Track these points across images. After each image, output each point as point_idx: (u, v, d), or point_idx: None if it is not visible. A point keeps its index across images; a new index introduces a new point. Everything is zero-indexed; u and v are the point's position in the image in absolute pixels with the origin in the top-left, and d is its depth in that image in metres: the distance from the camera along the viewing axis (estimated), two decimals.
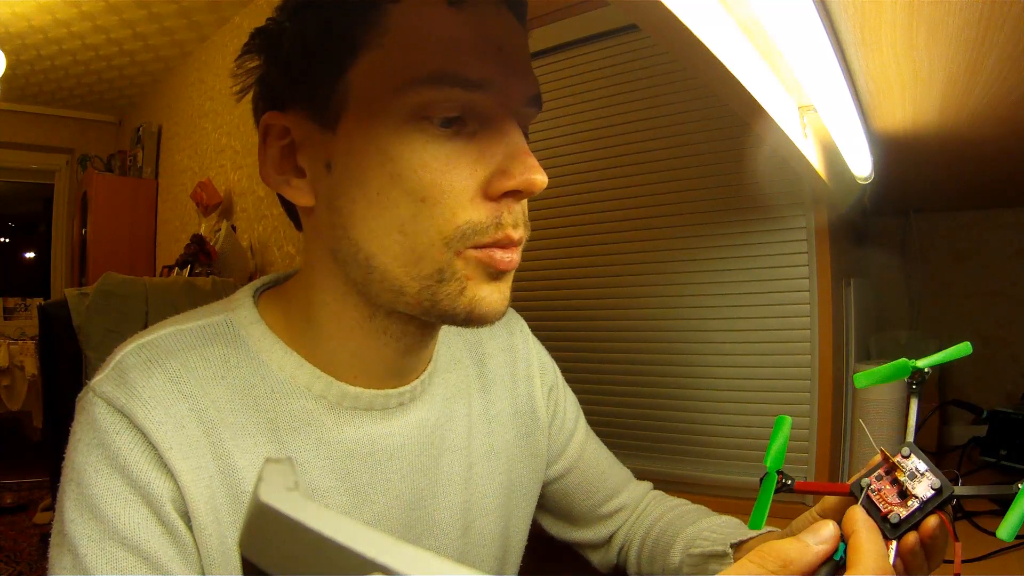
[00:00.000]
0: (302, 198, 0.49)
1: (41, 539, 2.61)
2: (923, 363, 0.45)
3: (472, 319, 0.48)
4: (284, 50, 0.48)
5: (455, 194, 0.45)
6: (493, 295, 0.48)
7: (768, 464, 0.43)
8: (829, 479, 0.95)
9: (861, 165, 0.81)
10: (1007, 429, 1.02)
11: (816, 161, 0.76)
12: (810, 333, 0.96)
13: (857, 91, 0.66)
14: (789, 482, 0.44)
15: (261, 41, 0.50)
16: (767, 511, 0.44)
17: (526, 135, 0.49)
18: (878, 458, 0.43)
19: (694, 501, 0.74)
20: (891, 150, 0.85)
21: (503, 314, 0.49)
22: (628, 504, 0.74)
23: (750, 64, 0.51)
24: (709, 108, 1.03)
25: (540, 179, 0.45)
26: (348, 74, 0.45)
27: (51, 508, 0.51)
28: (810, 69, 0.53)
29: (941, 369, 1.25)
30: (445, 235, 0.45)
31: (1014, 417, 1.02)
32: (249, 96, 0.52)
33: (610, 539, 0.74)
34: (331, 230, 0.48)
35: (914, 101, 0.70)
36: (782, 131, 0.61)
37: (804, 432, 0.96)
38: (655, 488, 0.78)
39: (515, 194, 0.46)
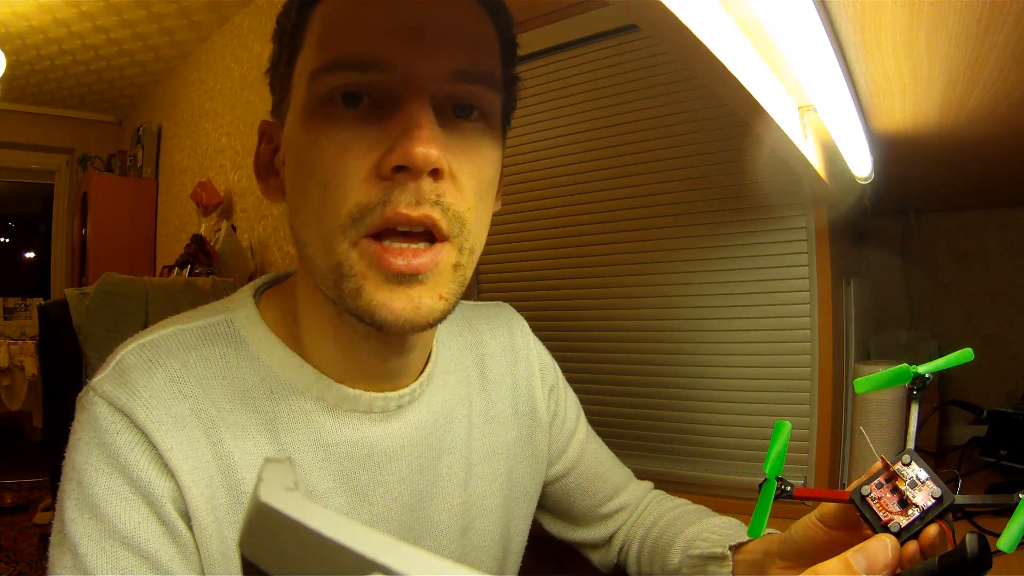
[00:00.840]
0: (276, 196, 0.52)
1: (41, 539, 2.60)
2: (924, 369, 0.44)
3: (375, 325, 0.45)
4: (271, 63, 0.52)
5: (349, 176, 0.43)
6: (394, 302, 0.44)
7: (767, 470, 0.43)
8: (829, 482, 0.95)
9: (861, 165, 0.81)
10: (1007, 429, 1.02)
11: (816, 161, 0.76)
12: (810, 333, 0.96)
13: (857, 91, 0.66)
14: (788, 488, 0.44)
15: None
16: (767, 518, 0.43)
17: (469, 110, 0.47)
18: (878, 465, 0.43)
19: (694, 501, 0.74)
20: (891, 150, 0.85)
21: (415, 325, 0.45)
22: (629, 504, 0.74)
23: (750, 64, 0.51)
24: (709, 108, 1.03)
25: (417, 151, 0.41)
26: (293, 76, 0.48)
27: (51, 508, 0.51)
28: (810, 69, 0.53)
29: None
30: (341, 221, 0.44)
31: (1014, 417, 1.02)
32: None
33: (610, 539, 0.74)
34: (290, 223, 0.50)
35: (914, 101, 0.70)
36: (782, 131, 0.61)
37: (804, 432, 0.96)
38: (655, 488, 0.78)
39: (404, 170, 0.42)
